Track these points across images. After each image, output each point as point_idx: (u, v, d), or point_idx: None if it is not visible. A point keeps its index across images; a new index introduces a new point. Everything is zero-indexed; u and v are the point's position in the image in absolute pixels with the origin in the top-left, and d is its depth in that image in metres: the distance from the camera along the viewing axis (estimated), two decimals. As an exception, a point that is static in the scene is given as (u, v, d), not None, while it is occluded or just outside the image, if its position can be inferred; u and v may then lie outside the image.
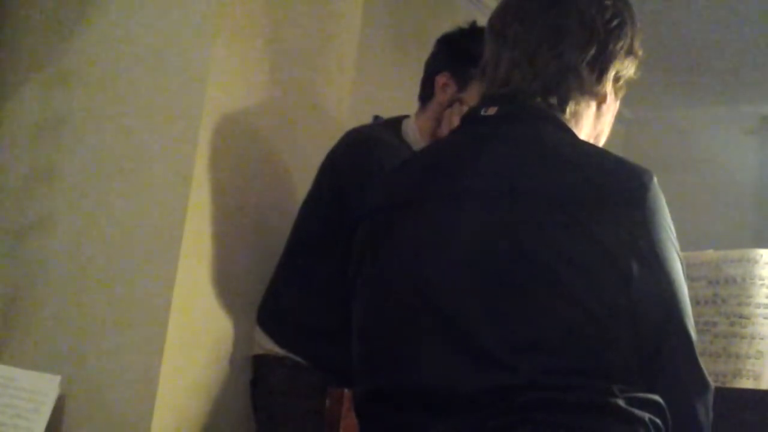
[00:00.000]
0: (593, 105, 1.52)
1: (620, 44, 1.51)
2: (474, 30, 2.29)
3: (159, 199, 2.11)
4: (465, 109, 2.18)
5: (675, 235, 1.38)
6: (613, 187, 1.36)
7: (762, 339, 1.81)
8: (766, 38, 4.08)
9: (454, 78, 2.25)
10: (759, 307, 1.84)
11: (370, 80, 3.15)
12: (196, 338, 2.12)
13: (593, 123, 1.55)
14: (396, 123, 2.32)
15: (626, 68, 1.55)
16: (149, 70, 2.20)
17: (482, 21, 2.32)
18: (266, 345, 2.17)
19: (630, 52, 1.54)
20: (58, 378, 1.98)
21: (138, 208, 2.13)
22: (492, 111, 1.48)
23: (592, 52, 1.48)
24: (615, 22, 1.51)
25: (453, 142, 1.57)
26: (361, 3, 2.69)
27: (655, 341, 1.34)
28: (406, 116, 2.34)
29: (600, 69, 1.50)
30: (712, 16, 3.97)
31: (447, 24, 2.39)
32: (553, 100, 1.47)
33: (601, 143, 1.59)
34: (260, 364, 2.20)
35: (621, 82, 1.56)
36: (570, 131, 1.47)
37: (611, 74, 1.52)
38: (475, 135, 1.49)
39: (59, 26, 2.34)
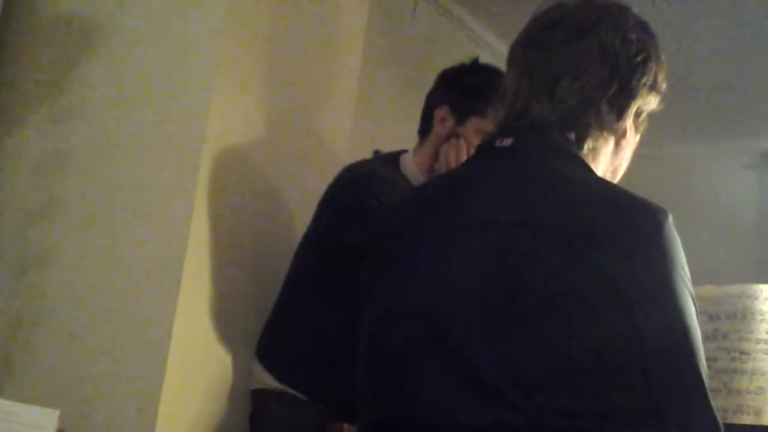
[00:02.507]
0: (612, 141, 1.49)
1: (643, 80, 1.48)
2: (475, 66, 2.31)
3: (159, 232, 2.12)
4: (462, 143, 2.20)
5: (689, 275, 1.34)
6: (626, 225, 1.33)
7: (763, 375, 1.80)
8: (765, 74, 4.10)
9: (452, 112, 2.25)
10: (759, 343, 1.83)
11: (370, 114, 3.17)
12: (195, 372, 2.11)
13: (611, 158, 1.52)
14: (395, 157, 2.33)
15: (648, 104, 1.52)
16: (151, 103, 2.21)
17: (483, 57, 2.36)
18: (265, 379, 2.17)
19: (653, 87, 1.51)
20: (57, 412, 1.96)
21: (138, 241, 2.14)
22: (507, 142, 1.46)
23: (614, 88, 1.45)
24: (639, 58, 1.48)
25: (465, 173, 1.55)
26: (362, 37, 2.71)
27: (665, 382, 1.30)
28: (405, 151, 2.35)
29: (620, 106, 1.47)
30: (712, 51, 3.99)
31: (448, 60, 2.40)
32: (571, 135, 1.45)
33: (618, 177, 1.57)
34: (259, 399, 2.19)
35: (642, 116, 1.53)
36: (586, 166, 1.45)
37: (632, 111, 1.49)
38: (488, 166, 1.47)
39: (63, 59, 2.36)
